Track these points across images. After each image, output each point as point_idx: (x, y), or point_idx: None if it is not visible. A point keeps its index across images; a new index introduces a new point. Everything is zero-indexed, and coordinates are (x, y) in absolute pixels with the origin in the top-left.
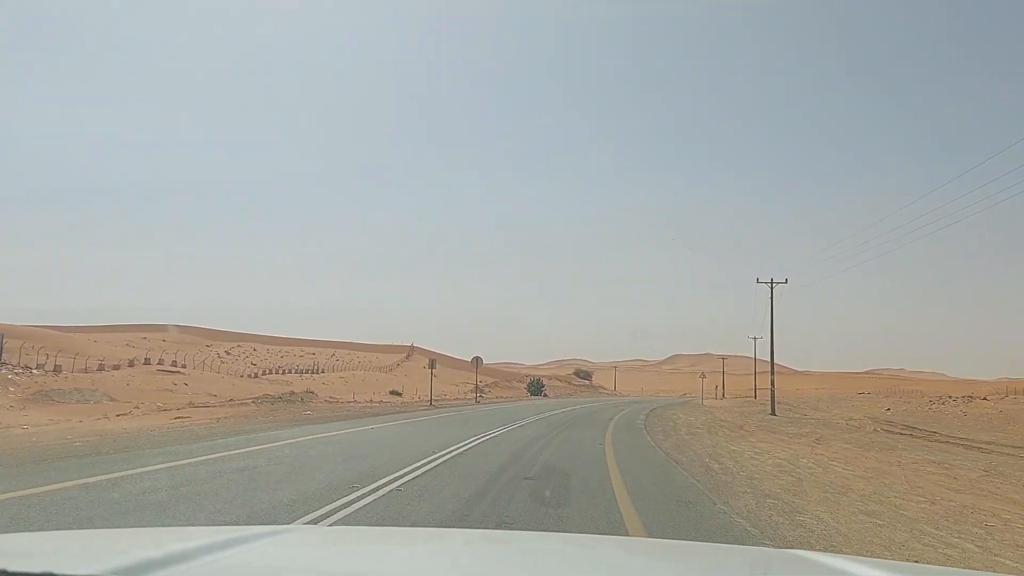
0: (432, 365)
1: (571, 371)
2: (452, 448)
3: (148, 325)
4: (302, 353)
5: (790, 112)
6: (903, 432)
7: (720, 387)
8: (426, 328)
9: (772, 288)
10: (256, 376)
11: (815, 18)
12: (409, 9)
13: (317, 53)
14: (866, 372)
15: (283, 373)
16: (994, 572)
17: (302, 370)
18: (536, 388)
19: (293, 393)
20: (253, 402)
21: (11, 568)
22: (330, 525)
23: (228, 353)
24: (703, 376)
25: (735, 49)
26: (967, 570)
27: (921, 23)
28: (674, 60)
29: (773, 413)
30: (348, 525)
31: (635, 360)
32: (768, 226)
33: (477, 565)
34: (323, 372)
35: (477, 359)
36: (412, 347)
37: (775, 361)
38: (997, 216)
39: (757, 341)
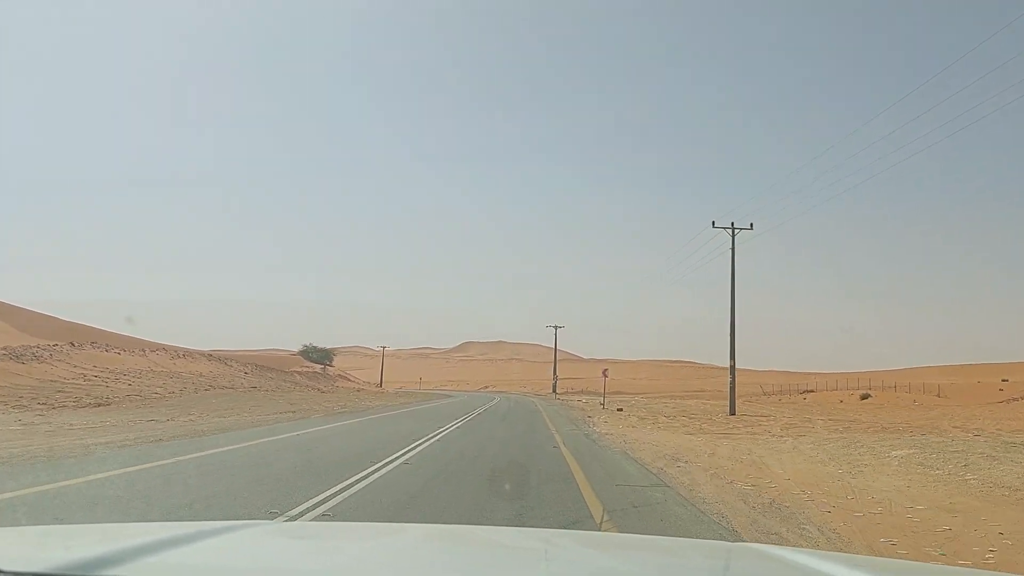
0: None
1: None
2: None
3: None
4: None
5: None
6: None
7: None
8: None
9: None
10: None
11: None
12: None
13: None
14: (647, 360)
15: None
16: (959, 567)
17: None
18: None
19: None
20: None
21: None
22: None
23: None
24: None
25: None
26: (931, 564)
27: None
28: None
29: None
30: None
31: (423, 348)
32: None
33: (435, 560)
34: None
35: None
36: None
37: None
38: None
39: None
